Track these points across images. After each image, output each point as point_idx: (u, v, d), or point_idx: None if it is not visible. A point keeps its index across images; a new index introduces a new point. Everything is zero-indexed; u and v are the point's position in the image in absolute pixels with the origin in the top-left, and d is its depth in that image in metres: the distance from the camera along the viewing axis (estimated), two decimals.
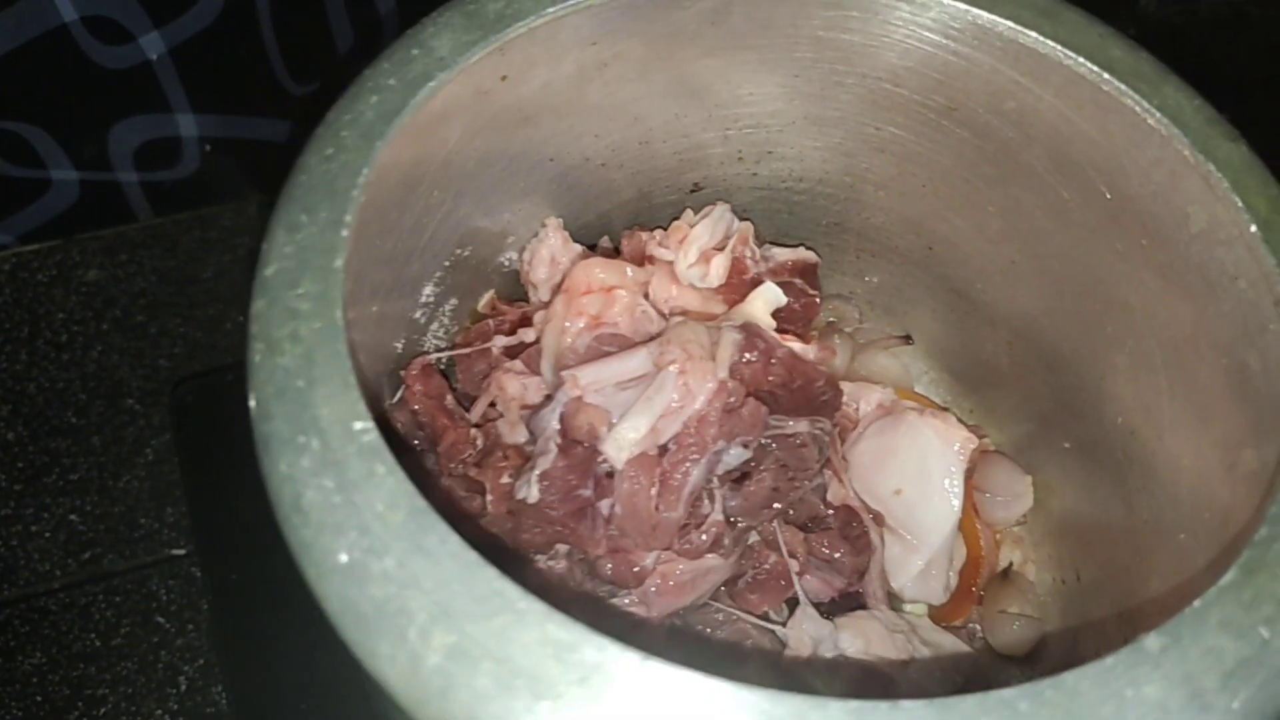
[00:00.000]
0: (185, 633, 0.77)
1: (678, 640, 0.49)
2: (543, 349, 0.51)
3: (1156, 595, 0.49)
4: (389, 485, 0.33)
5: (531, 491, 0.45)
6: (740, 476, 0.50)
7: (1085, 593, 0.57)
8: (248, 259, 0.91)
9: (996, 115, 0.51)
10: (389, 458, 0.33)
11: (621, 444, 0.45)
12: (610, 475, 0.47)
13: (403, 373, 0.54)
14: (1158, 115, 0.44)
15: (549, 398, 0.49)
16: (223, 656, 0.72)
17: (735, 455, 0.49)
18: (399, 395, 0.55)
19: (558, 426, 0.47)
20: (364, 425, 0.34)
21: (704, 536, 0.46)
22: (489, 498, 0.48)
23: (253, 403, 0.35)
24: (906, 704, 0.31)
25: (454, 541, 0.32)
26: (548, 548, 0.47)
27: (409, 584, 0.32)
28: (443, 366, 0.57)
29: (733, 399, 0.46)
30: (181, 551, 0.80)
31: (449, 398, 0.55)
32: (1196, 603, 0.33)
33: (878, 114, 0.54)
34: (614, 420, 0.46)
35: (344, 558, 0.32)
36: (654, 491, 0.45)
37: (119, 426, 0.84)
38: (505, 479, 0.48)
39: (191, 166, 0.90)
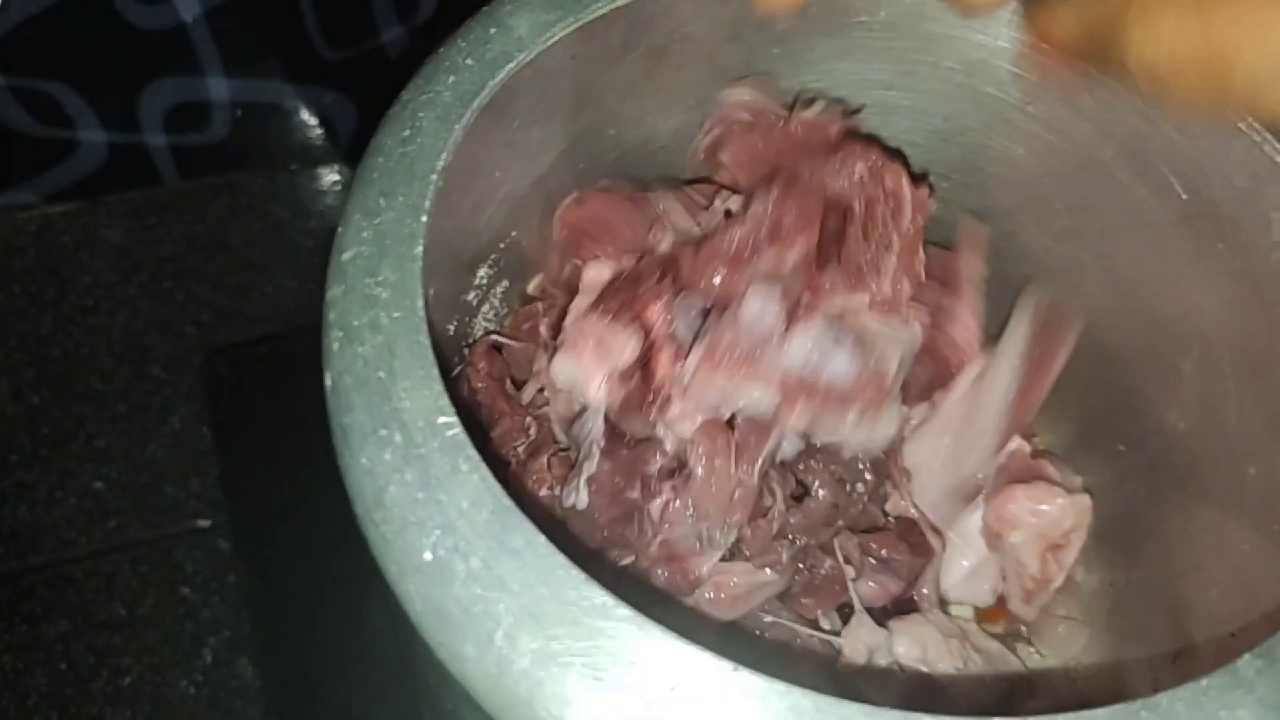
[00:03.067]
0: (211, 605, 0.76)
1: (729, 639, 0.48)
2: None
3: (1213, 604, 0.49)
4: (473, 482, 0.32)
5: (580, 497, 0.44)
6: (798, 495, 0.50)
7: (1133, 596, 0.56)
8: (277, 227, 0.90)
9: (1072, 110, 0.50)
10: (473, 454, 0.32)
11: (688, 418, 0.44)
12: (660, 476, 0.46)
13: (466, 350, 0.53)
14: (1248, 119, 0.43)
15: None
16: (255, 629, 0.71)
17: (791, 445, 0.48)
18: (457, 372, 0.54)
19: (601, 428, 0.46)
20: (448, 419, 0.33)
21: (774, 528, 0.46)
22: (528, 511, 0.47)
23: (331, 396, 0.34)
24: None
25: (540, 542, 0.31)
26: (598, 553, 0.46)
27: (495, 585, 0.31)
28: (499, 347, 0.56)
29: None
30: (206, 523, 0.79)
31: (508, 381, 0.54)
32: None
33: (948, 105, 0.53)
34: None
35: (428, 556, 0.31)
36: (732, 458, 0.44)
37: (145, 394, 0.83)
38: (544, 491, 0.47)
39: (222, 131, 0.88)
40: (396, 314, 0.34)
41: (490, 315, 0.56)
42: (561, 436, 0.50)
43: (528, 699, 0.30)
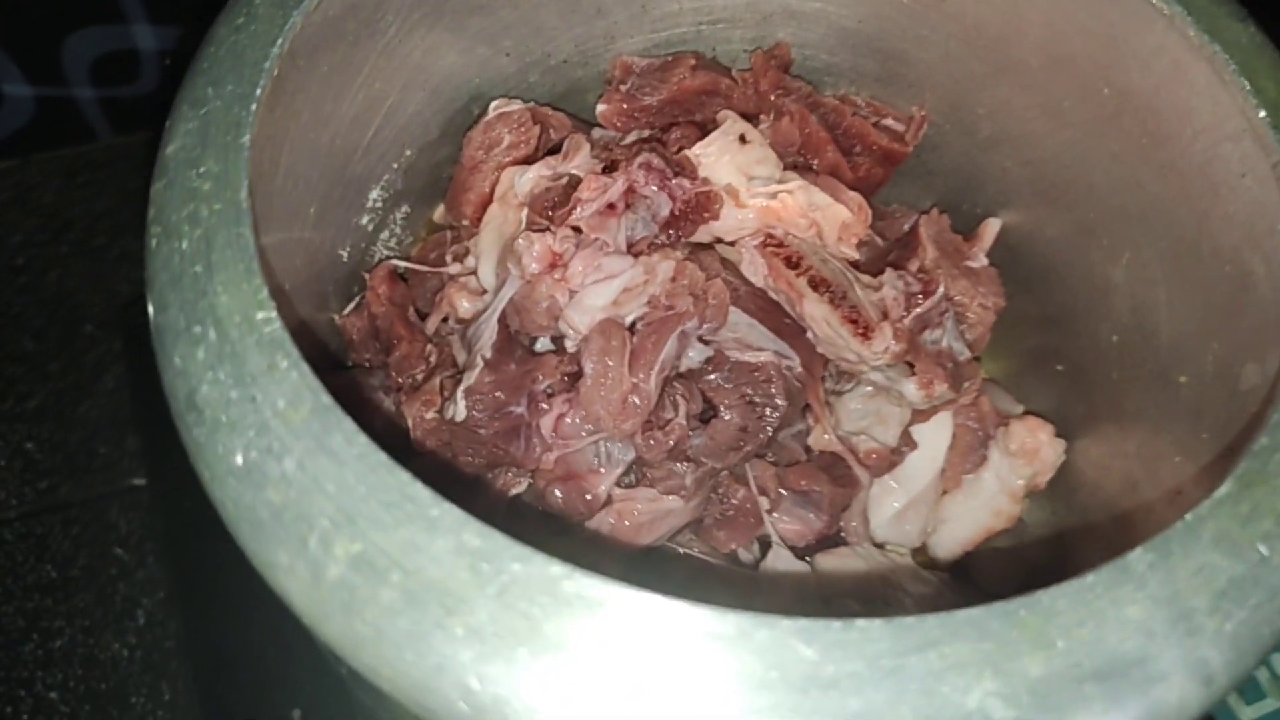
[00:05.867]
0: (145, 565, 0.74)
1: (635, 573, 0.46)
2: (480, 253, 0.47)
3: (1149, 522, 0.46)
4: (291, 379, 0.30)
5: (459, 409, 0.42)
6: (706, 417, 0.47)
7: (1075, 526, 0.54)
8: None
9: (986, 5, 0.47)
10: (293, 350, 0.30)
11: (584, 309, 0.42)
12: (548, 392, 0.44)
13: (366, 274, 0.51)
14: None
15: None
16: (178, 592, 0.69)
17: (698, 352, 0.45)
18: (358, 300, 0.52)
19: (492, 336, 0.43)
20: (266, 315, 0.30)
21: (670, 440, 0.43)
22: (415, 434, 0.44)
23: (149, 294, 0.32)
24: (862, 623, 0.28)
25: (361, 441, 0.29)
26: (487, 472, 0.44)
27: (310, 488, 0.28)
28: (402, 273, 0.53)
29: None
30: (141, 481, 0.77)
31: (411, 309, 0.52)
32: (1189, 516, 0.30)
33: (858, 6, 0.50)
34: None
35: (240, 459, 0.29)
36: (626, 359, 0.42)
37: (77, 352, 0.81)
38: (431, 414, 0.44)
39: (152, 82, 0.85)
40: (218, 206, 0.32)
41: (392, 244, 0.53)
42: (461, 354, 0.48)
43: (344, 608, 0.28)
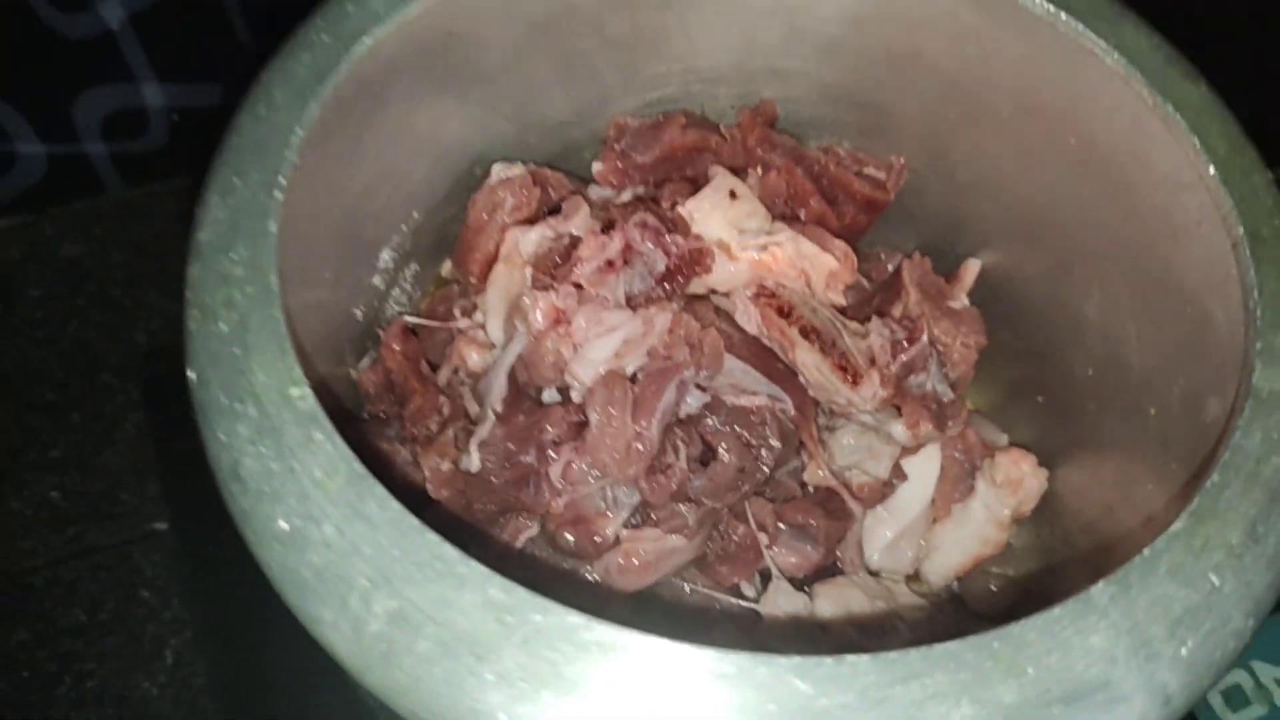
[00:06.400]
0: (171, 606, 0.77)
1: (644, 609, 0.49)
2: (487, 310, 0.50)
3: (1126, 545, 0.49)
4: (327, 451, 0.32)
5: (473, 461, 0.45)
6: (706, 459, 0.50)
7: (1060, 549, 0.56)
8: None
9: (959, 60, 0.50)
10: (326, 423, 0.33)
11: (588, 363, 0.45)
12: (556, 442, 0.47)
13: (381, 332, 0.54)
14: (1116, 56, 0.43)
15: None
16: (204, 631, 0.72)
17: (695, 398, 0.48)
18: (373, 356, 0.54)
19: (502, 390, 0.46)
20: (300, 391, 0.33)
21: (672, 482, 0.46)
22: (431, 484, 0.47)
23: (190, 371, 0.35)
24: (851, 658, 0.31)
25: (394, 507, 0.32)
26: (500, 518, 0.46)
27: (349, 551, 0.31)
28: (413, 328, 0.56)
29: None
30: (164, 526, 0.79)
31: (424, 363, 0.55)
32: (1146, 551, 0.33)
33: (839, 62, 0.53)
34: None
35: (284, 525, 0.32)
36: (629, 408, 0.45)
37: (98, 402, 0.84)
38: (446, 465, 0.47)
39: (161, 137, 0.89)
40: (250, 290, 0.35)
41: (403, 300, 0.56)
42: (472, 406, 0.51)
43: (384, 659, 0.30)
